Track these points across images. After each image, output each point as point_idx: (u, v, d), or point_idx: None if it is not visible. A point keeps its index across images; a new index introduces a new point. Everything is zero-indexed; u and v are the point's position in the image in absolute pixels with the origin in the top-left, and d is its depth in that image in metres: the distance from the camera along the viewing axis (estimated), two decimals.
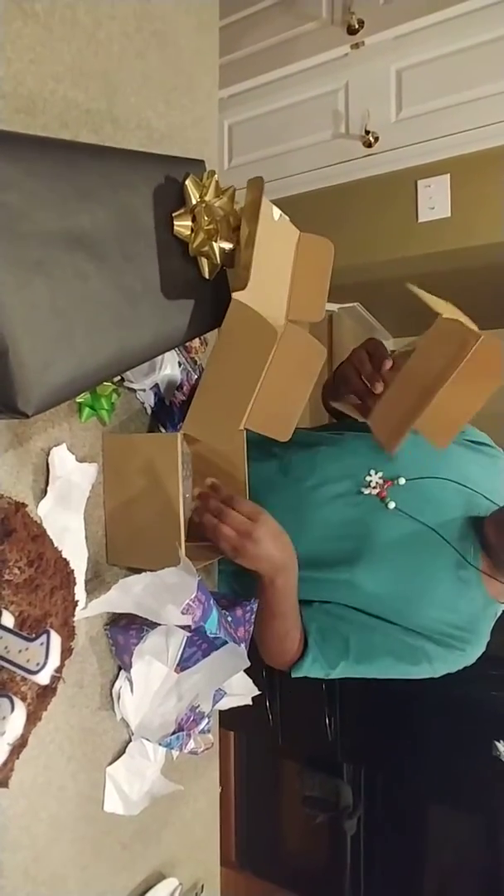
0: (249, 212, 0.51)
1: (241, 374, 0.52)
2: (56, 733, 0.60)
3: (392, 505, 0.81)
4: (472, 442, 0.89)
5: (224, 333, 0.53)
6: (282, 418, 0.64)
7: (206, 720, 0.72)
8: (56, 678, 0.50)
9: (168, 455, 0.59)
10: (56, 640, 0.41)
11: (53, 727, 0.60)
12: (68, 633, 0.52)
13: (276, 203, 0.54)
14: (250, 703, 0.77)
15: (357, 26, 1.63)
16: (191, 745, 0.71)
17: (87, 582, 0.61)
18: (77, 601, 0.54)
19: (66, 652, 0.53)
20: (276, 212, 0.54)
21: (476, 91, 1.59)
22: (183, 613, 0.54)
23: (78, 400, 0.60)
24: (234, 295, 0.50)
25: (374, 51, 1.69)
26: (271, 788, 2.00)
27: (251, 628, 0.71)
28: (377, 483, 0.82)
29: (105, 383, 0.61)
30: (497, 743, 1.47)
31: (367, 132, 1.71)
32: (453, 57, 1.60)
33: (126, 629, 0.64)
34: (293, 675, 0.83)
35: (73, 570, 0.53)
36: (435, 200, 1.69)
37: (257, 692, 0.78)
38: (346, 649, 0.80)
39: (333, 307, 2.24)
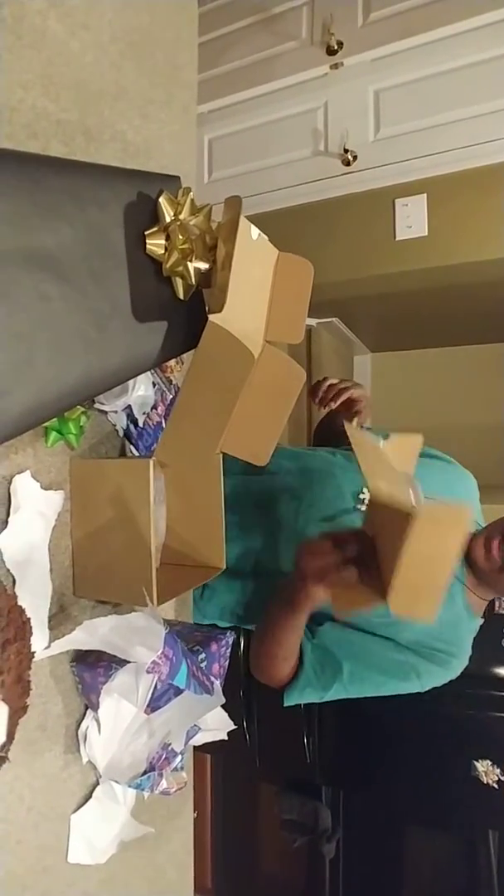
0: (227, 231, 0.49)
1: (217, 399, 0.49)
2: (15, 782, 0.56)
3: None
4: (429, 456, 0.90)
5: (199, 357, 0.51)
6: (259, 442, 0.61)
7: (179, 758, 0.68)
8: (1, 758, 0.46)
9: (139, 482, 0.56)
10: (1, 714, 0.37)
11: (13, 776, 0.55)
12: (22, 690, 0.48)
13: (255, 219, 0.52)
14: (226, 737, 0.74)
15: (336, 47, 1.65)
16: (163, 784, 0.67)
17: (51, 617, 0.57)
18: (34, 653, 0.50)
19: (21, 711, 0.48)
20: (255, 231, 0.52)
21: (452, 114, 1.62)
22: (148, 672, 0.51)
23: (44, 424, 0.56)
24: (211, 317, 0.47)
25: (352, 72, 1.71)
26: (248, 811, 1.95)
27: (226, 662, 0.68)
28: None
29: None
30: (476, 762, 1.45)
31: (346, 150, 1.72)
32: (430, 80, 1.63)
33: (93, 667, 0.60)
34: (286, 704, 0.81)
35: (28, 619, 0.49)
36: (412, 219, 1.71)
37: (233, 727, 0.74)
38: (340, 670, 0.80)
39: (312, 322, 2.25)
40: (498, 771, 1.41)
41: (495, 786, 1.41)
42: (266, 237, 0.54)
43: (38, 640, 0.54)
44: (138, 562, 0.57)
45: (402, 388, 2.62)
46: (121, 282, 0.44)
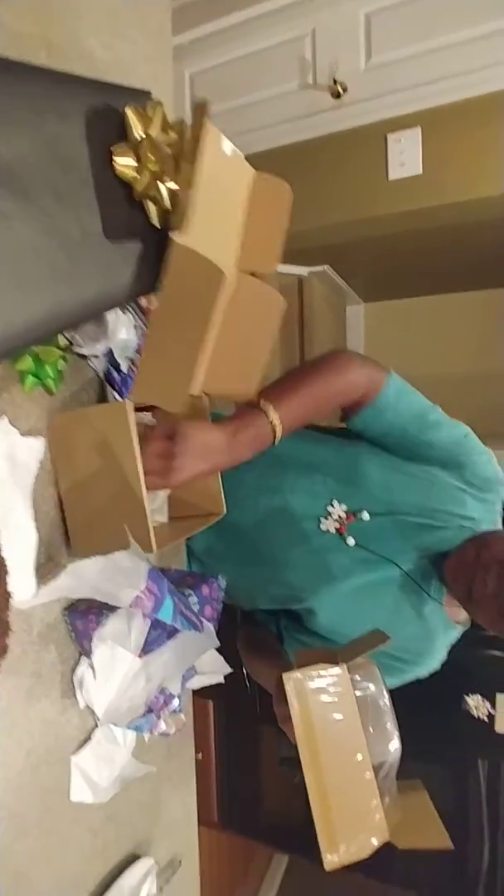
0: (192, 144, 0.44)
1: (189, 326, 0.45)
2: (13, 728, 0.56)
3: (351, 542, 0.76)
4: (478, 480, 0.77)
5: (166, 283, 0.47)
6: (243, 377, 0.58)
7: (177, 700, 0.69)
8: None
9: (120, 426, 0.54)
10: None
11: (9, 721, 0.56)
12: (2, 630, 0.48)
13: None
14: (222, 681, 0.75)
15: None
16: (161, 726, 0.69)
17: (39, 567, 0.56)
18: (11, 593, 0.49)
19: (1, 650, 0.48)
20: (228, 145, 0.47)
21: (449, 37, 1.52)
22: (131, 608, 0.50)
23: (19, 367, 0.54)
24: (174, 237, 0.43)
25: None
26: (250, 751, 2.03)
27: (219, 606, 0.68)
28: (339, 517, 0.77)
29: (50, 348, 0.55)
30: (467, 698, 1.51)
31: (335, 82, 1.62)
32: (423, 0, 1.51)
33: (85, 614, 0.60)
34: None
35: (4, 560, 0.48)
36: (406, 156, 1.63)
37: (229, 670, 0.75)
38: None
39: (303, 271, 2.18)
40: (488, 705, 1.47)
41: (485, 719, 1.47)
42: (241, 154, 0.49)
43: (26, 589, 0.53)
44: (131, 509, 0.55)
45: (397, 339, 2.57)
46: (88, 204, 0.41)
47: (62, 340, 0.56)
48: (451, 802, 1.69)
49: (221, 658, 0.74)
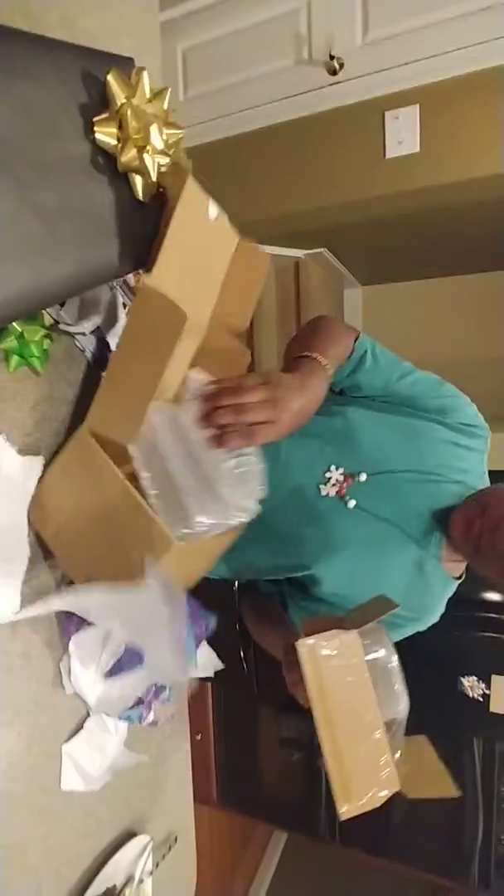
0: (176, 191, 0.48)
1: (147, 364, 0.48)
2: (4, 707, 0.56)
3: (352, 504, 0.77)
4: (462, 424, 0.81)
5: (131, 319, 0.50)
6: None
7: (167, 691, 0.69)
8: None
9: (90, 455, 0.52)
10: None
11: (0, 701, 0.56)
12: None
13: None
14: (212, 675, 0.76)
15: None
16: (150, 717, 0.69)
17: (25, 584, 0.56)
18: None
19: None
20: (214, 210, 0.50)
21: (447, 11, 1.48)
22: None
23: (3, 347, 0.53)
24: (144, 282, 0.46)
25: None
26: (249, 731, 2.06)
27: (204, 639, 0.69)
28: (337, 481, 0.78)
29: (35, 327, 0.54)
30: (462, 679, 1.53)
31: (332, 57, 1.58)
32: None
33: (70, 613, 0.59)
34: None
35: None
36: (404, 134, 1.60)
37: (221, 666, 0.76)
38: None
39: (299, 253, 2.15)
40: (482, 685, 1.49)
41: (480, 699, 1.49)
42: (227, 219, 0.52)
43: (9, 603, 0.53)
44: (136, 522, 0.52)
45: (395, 323, 2.55)
46: (68, 175, 0.40)
47: (47, 318, 0.55)
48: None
49: (214, 654, 0.75)
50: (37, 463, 0.56)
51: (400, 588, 0.78)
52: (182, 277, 0.49)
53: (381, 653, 0.61)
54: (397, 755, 0.59)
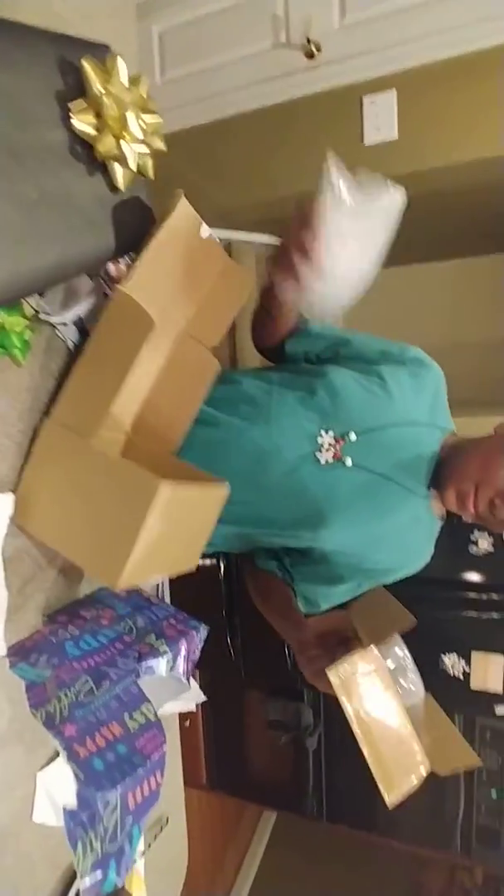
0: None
1: (112, 365, 0.50)
2: None
3: (349, 462, 0.79)
4: (409, 357, 0.86)
5: (101, 320, 0.52)
6: (168, 429, 0.63)
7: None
8: None
9: (64, 443, 0.55)
10: None
11: None
12: None
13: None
14: (193, 709, 0.78)
15: None
16: None
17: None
18: None
19: None
20: (206, 230, 0.52)
21: None
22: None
23: None
24: (119, 287, 0.48)
25: None
26: (237, 715, 2.09)
27: (196, 656, 0.69)
28: (330, 444, 0.79)
29: (16, 317, 0.54)
30: (443, 657, 1.57)
31: (309, 41, 1.57)
32: None
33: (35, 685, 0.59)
34: None
35: None
36: (381, 120, 1.60)
37: (203, 699, 0.77)
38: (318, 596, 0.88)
39: (276, 243, 2.13)
40: (463, 663, 1.53)
41: (461, 677, 1.53)
42: (217, 240, 0.55)
43: None
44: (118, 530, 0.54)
45: (379, 311, 2.54)
46: (47, 164, 0.39)
47: (28, 309, 0.55)
48: None
49: (196, 686, 0.76)
50: (6, 501, 0.56)
51: (402, 539, 0.82)
52: (159, 287, 0.52)
53: (398, 653, 0.68)
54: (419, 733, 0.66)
